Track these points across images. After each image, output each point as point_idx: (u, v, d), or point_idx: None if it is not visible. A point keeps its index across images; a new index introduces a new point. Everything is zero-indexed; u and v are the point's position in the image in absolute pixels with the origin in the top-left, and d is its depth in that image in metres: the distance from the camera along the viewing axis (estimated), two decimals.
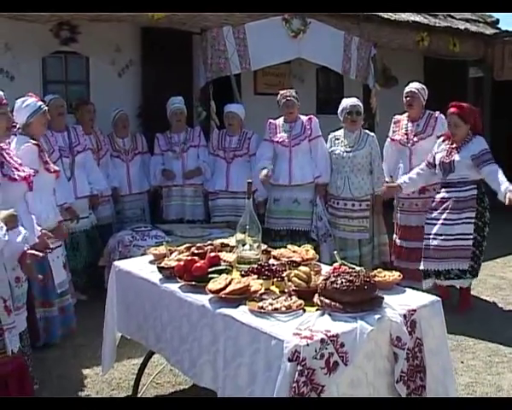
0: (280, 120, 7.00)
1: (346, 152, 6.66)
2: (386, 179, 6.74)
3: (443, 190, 6.06)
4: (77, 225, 6.29)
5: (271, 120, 7.05)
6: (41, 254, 3.56)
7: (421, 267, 6.11)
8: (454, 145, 6.01)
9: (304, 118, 6.95)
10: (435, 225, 6.00)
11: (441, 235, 5.96)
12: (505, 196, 5.58)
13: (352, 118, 6.67)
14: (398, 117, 6.92)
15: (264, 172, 6.59)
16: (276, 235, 6.83)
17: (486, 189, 6.02)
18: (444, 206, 5.98)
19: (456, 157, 5.91)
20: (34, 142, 5.03)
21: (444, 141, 6.17)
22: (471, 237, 5.89)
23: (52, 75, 8.21)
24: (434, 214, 6.04)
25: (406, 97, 6.68)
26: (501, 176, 5.76)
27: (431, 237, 6.03)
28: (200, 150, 7.48)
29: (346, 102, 6.75)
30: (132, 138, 7.54)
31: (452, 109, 6.03)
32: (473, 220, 5.88)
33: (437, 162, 6.10)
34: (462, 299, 6.25)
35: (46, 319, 5.18)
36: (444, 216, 5.96)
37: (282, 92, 6.98)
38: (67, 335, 5.48)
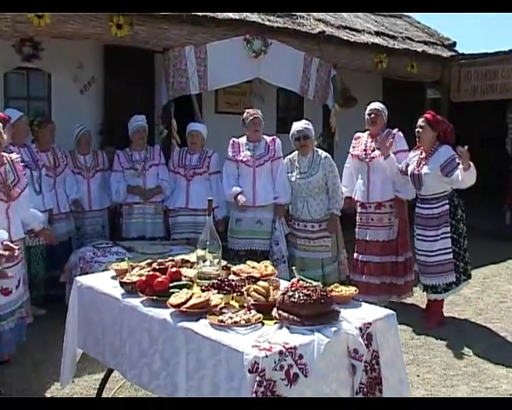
0: (243, 139, 6.98)
1: (302, 178, 6.71)
2: (347, 195, 6.92)
3: (419, 204, 6.34)
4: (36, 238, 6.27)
5: (234, 139, 7.03)
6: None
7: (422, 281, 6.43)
8: (423, 155, 6.20)
9: (267, 138, 6.95)
10: (419, 240, 6.31)
11: (425, 251, 6.26)
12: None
13: (300, 143, 6.70)
14: (359, 134, 7.03)
15: (243, 199, 6.66)
16: (235, 255, 6.75)
17: (458, 202, 6.26)
18: (423, 222, 6.25)
19: (425, 169, 6.12)
20: None
21: (415, 150, 6.36)
22: (450, 250, 6.16)
23: (14, 91, 8.20)
24: (418, 231, 6.33)
25: (370, 114, 6.79)
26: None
27: (419, 252, 6.36)
28: (160, 169, 7.42)
29: (294, 128, 6.76)
30: (94, 155, 7.47)
31: (424, 114, 6.29)
32: (448, 235, 6.17)
33: (409, 173, 6.31)
34: (431, 314, 6.47)
35: None
36: (425, 233, 6.25)
37: (248, 111, 7.00)
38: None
